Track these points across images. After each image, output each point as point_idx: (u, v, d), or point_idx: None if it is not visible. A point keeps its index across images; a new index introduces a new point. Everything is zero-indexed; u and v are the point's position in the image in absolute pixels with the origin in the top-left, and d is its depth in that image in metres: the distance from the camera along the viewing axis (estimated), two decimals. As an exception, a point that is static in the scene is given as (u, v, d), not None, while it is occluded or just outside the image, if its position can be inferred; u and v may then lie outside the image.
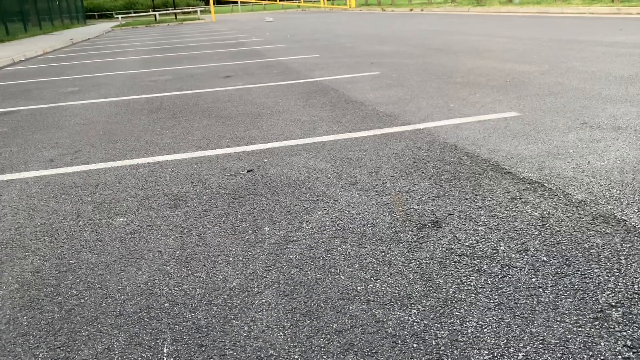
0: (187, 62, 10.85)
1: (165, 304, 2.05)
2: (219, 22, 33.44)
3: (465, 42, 11.20)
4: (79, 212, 3.04)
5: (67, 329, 1.93)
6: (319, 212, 2.81)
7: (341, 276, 2.16)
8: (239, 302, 2.03)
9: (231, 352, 1.74)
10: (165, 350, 1.77)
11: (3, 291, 2.22)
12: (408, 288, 2.05)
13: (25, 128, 5.40)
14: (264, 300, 2.02)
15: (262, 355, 1.71)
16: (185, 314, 1.98)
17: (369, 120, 4.77)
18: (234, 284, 2.16)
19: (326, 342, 1.75)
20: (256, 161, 3.77)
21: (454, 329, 1.78)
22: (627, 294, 1.91)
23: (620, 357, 1.60)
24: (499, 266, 2.15)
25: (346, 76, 7.49)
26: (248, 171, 3.56)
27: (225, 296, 2.07)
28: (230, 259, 2.37)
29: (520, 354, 1.63)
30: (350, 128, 4.54)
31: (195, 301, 2.06)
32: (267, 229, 2.65)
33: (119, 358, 1.75)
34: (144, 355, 1.76)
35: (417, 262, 2.23)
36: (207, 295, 2.09)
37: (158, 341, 1.82)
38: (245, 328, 1.86)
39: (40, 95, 7.61)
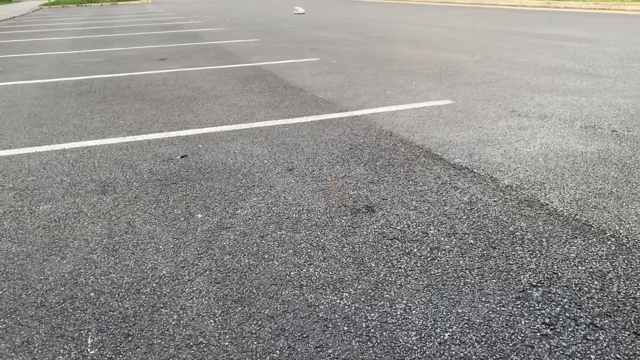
0: (120, 44, 10.44)
1: (91, 294, 1.97)
2: (156, 4, 32.34)
3: (404, 30, 11.36)
4: (-2, 199, 2.87)
5: (-18, 323, 1.81)
6: (255, 199, 2.78)
7: (275, 262, 2.15)
8: (168, 290, 1.98)
9: (159, 340, 1.70)
10: (89, 341, 1.70)
11: None
12: (341, 272, 2.06)
13: (-60, 110, 5.04)
14: (194, 288, 1.98)
15: (191, 343, 1.68)
16: (111, 303, 1.91)
17: (307, 106, 4.76)
18: (164, 272, 2.10)
19: (257, 328, 1.74)
20: (190, 146, 3.68)
21: (384, 311, 1.81)
22: (547, 274, 2.00)
23: (538, 334, 1.67)
24: (428, 249, 2.20)
25: (286, 61, 7.43)
26: (181, 157, 3.47)
27: (155, 284, 2.02)
28: (161, 246, 2.30)
29: (446, 334, 1.68)
30: (289, 114, 4.52)
31: (123, 290, 1.99)
32: (200, 215, 2.60)
33: (39, 351, 1.67)
34: (66, 347, 1.68)
35: (351, 247, 2.25)
36: (136, 284, 2.03)
37: (82, 332, 1.75)
38: (175, 316, 1.82)
39: (-43, 75, 7.11)
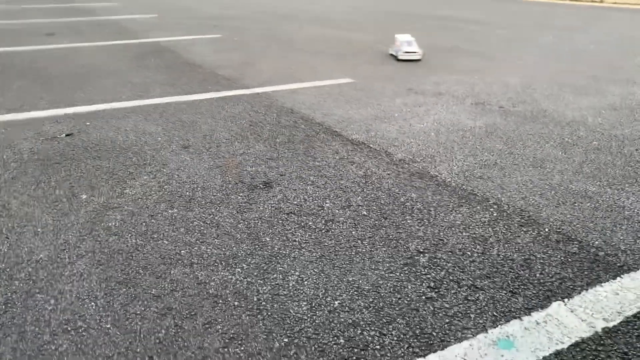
0: (2, 17, 9.56)
1: (-45, 283, 1.78)
2: (46, -24, 29.98)
3: (309, 11, 11.35)
4: None
5: None
6: (145, 177, 2.66)
7: (164, 241, 2.06)
8: (45, 274, 1.83)
9: (32, 327, 1.57)
10: (-51, 335, 1.54)
11: None
12: (234, 248, 2.02)
13: None
14: (75, 271, 1.85)
15: (69, 328, 1.57)
16: (-21, 292, 1.74)
17: (206, 83, 4.61)
18: (42, 255, 1.95)
19: (142, 309, 1.66)
20: (77, 124, 3.45)
21: (276, 284, 1.79)
22: (434, 241, 2.08)
23: (424, 297, 1.73)
24: (323, 222, 2.21)
25: (186, 37, 7.16)
26: (67, 135, 3.23)
27: (30, 269, 1.86)
28: (39, 229, 2.13)
29: (336, 302, 1.70)
30: (186, 90, 4.35)
31: (-7, 277, 1.82)
32: (84, 196, 2.44)
33: None
34: None
35: (246, 223, 2.21)
36: (8, 269, 1.86)
37: (-58, 325, 1.58)
38: (52, 301, 1.69)
39: None
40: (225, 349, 1.50)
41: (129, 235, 2.10)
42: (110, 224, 2.19)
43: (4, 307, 1.67)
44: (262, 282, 1.81)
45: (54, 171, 2.71)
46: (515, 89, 4.55)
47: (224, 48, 6.42)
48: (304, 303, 1.70)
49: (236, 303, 1.70)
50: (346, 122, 3.57)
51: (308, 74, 5.06)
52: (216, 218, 2.26)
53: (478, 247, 2.04)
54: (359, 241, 2.06)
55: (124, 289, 1.76)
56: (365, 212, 2.30)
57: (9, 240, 2.06)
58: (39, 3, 12.59)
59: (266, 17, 9.83)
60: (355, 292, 1.75)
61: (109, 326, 1.58)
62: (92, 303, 1.69)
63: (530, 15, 10.90)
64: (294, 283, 1.80)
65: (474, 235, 2.12)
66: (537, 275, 1.86)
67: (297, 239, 2.08)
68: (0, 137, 3.20)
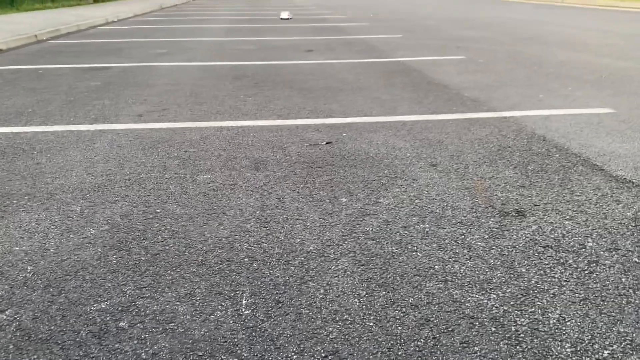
0: (272, 35, 10.96)
1: (245, 259, 2.10)
2: (302, -2, 33.44)
3: (558, 33, 10.65)
4: (165, 165, 3.17)
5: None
6: (397, 189, 2.79)
7: (418, 253, 2.14)
8: (315, 265, 2.05)
9: (307, 311, 1.77)
10: (244, 302, 1.82)
11: (95, 230, 2.36)
12: (488, 273, 2.00)
13: (117, 84, 5.67)
14: (340, 267, 2.03)
15: (337, 318, 1.72)
16: (263, 270, 2.02)
17: (452, 104, 4.65)
18: (311, 248, 2.18)
19: (402, 314, 1.75)
20: (335, 134, 3.76)
21: (535, 318, 1.72)
22: None
23: None
24: (585, 262, 2.06)
25: (430, 58, 7.31)
26: (326, 143, 3.56)
27: (302, 258, 2.10)
28: (308, 224, 2.39)
29: (605, 352, 1.56)
30: (432, 110, 4.45)
31: (273, 260, 2.09)
32: (344, 199, 2.66)
33: (200, 304, 1.82)
34: (223, 304, 1.81)
35: (499, 249, 2.17)
36: (285, 255, 2.13)
37: (237, 292, 1.88)
38: (322, 291, 1.88)
39: (130, 54, 7.94)
40: (485, 373, 1.49)
41: (385, 242, 2.23)
42: (368, 229, 2.35)
43: (283, 287, 1.91)
44: (519, 313, 1.76)
45: (318, 174, 3.01)
46: None
47: (468, 69, 6.40)
48: (568, 345, 1.60)
49: (493, 329, 1.68)
50: (608, 155, 3.26)
51: (560, 100, 4.75)
52: (467, 239, 2.26)
53: None
54: (631, 290, 1.87)
55: (384, 292, 1.87)
56: (637, 259, 2.07)
57: (284, 229, 2.35)
58: (298, 23, 14.12)
59: (510, 40, 9.51)
60: (629, 346, 1.59)
61: (371, 324, 1.70)
62: (356, 300, 1.83)
63: None
64: (554, 321, 1.71)
65: None
66: None
67: (556, 276, 1.97)
68: (274, 139, 3.67)
